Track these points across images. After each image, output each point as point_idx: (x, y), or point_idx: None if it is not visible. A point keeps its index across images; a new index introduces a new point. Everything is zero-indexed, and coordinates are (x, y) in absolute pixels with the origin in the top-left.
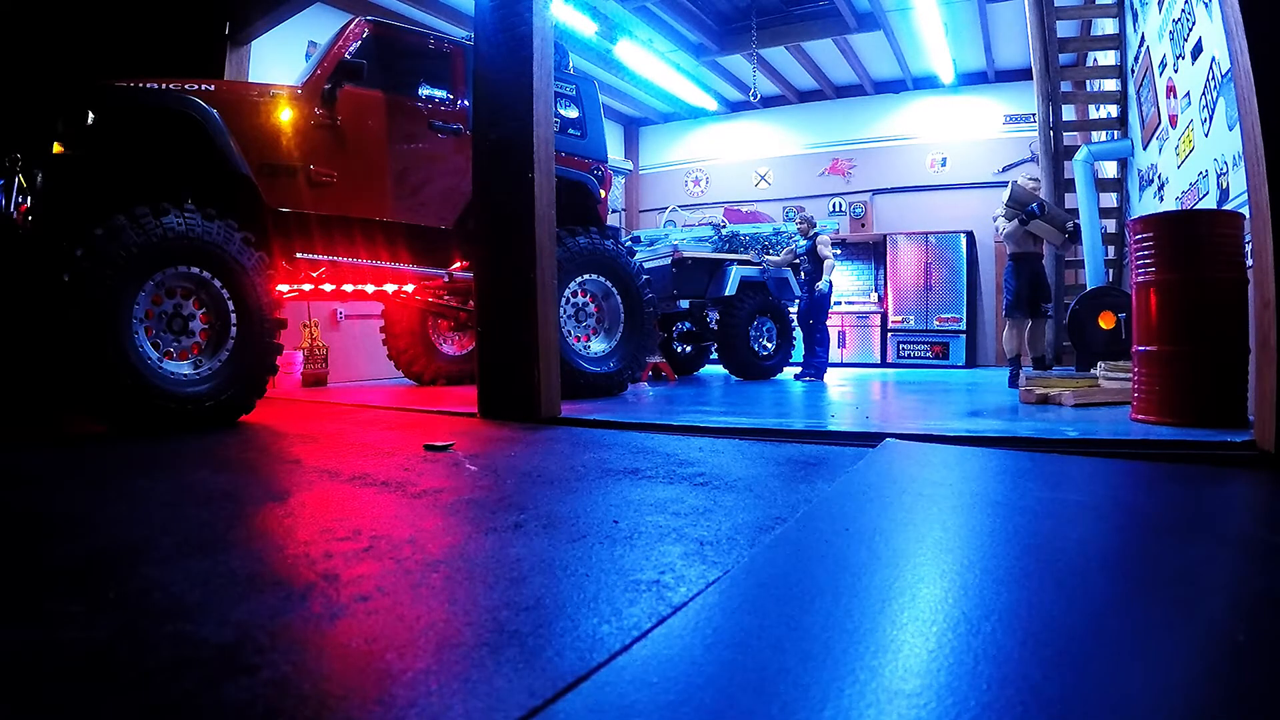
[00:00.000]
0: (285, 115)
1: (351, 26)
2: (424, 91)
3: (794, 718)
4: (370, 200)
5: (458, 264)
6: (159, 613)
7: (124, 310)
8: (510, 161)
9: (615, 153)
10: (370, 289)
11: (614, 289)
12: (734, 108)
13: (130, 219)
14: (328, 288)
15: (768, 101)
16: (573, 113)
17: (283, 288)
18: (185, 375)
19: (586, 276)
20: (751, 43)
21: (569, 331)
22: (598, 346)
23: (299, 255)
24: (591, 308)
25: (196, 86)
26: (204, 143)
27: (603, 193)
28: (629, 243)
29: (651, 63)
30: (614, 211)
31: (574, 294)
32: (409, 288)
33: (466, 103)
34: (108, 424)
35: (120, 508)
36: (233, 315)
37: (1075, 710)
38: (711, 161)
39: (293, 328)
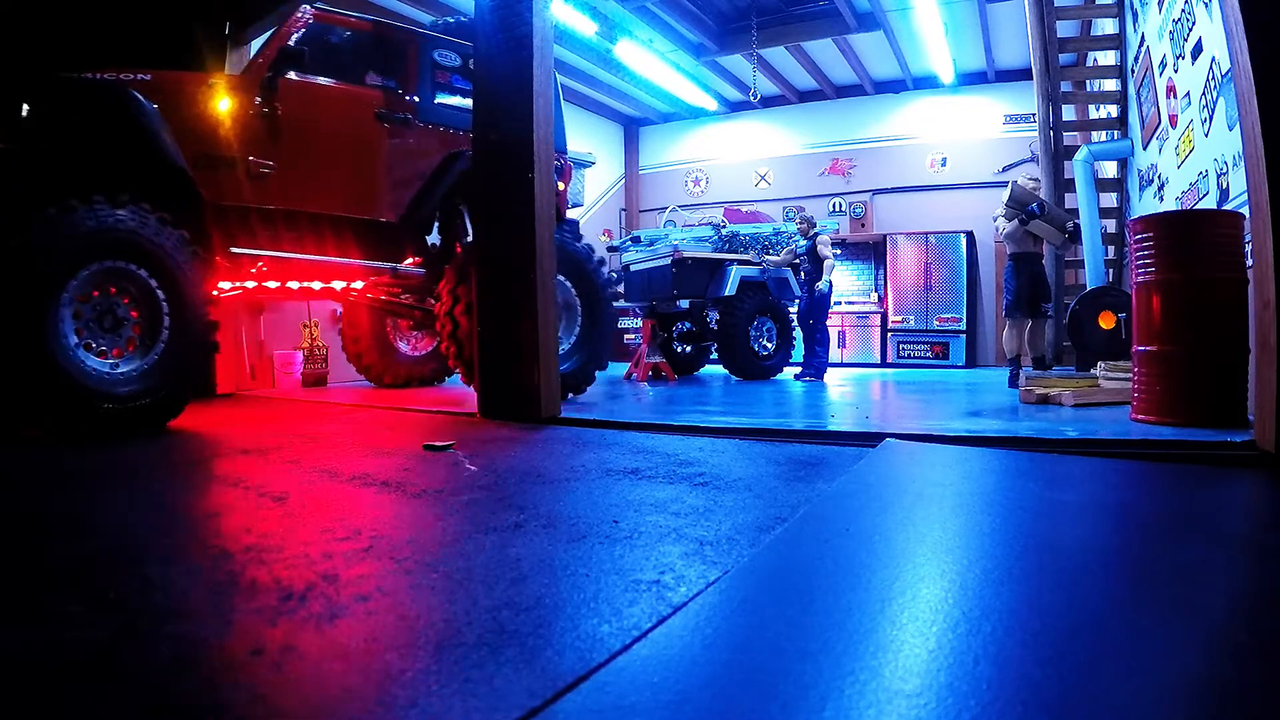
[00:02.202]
0: (224, 105)
1: (295, 13)
2: (372, 81)
3: (794, 718)
4: (312, 193)
5: (410, 259)
6: (159, 613)
7: (52, 305)
8: (510, 161)
9: (615, 152)
10: (318, 285)
11: (565, 282)
12: (734, 108)
13: (61, 211)
14: (272, 284)
15: (768, 101)
16: None
17: (224, 285)
18: (112, 373)
19: None
20: (751, 43)
21: None
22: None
23: (235, 250)
24: None
25: (132, 77)
26: (140, 134)
27: (560, 185)
28: (627, 241)
29: (651, 63)
30: (573, 205)
31: None
32: (358, 284)
33: (416, 97)
34: (38, 424)
35: (119, 508)
36: (166, 318)
37: (1075, 710)
38: (711, 161)
39: (293, 328)
